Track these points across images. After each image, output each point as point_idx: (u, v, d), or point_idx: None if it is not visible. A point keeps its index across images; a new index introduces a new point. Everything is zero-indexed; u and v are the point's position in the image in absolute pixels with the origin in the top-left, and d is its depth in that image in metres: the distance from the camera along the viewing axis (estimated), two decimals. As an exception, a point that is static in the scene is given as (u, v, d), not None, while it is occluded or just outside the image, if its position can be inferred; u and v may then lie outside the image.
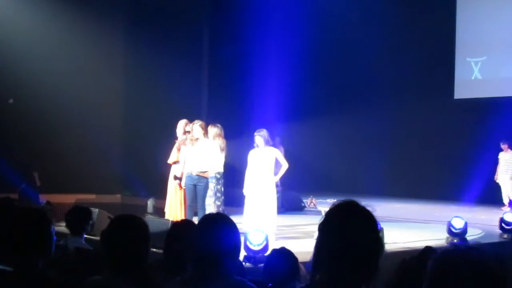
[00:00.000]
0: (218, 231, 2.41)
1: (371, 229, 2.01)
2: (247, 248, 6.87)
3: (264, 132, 8.82)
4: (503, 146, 13.25)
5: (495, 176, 13.22)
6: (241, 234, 7.79)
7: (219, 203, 9.45)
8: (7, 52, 13.36)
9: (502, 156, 13.28)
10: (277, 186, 9.53)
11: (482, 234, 9.58)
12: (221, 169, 9.48)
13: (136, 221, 2.82)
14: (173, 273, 2.67)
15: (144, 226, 2.80)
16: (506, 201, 13.22)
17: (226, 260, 2.38)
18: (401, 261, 2.99)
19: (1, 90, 13.49)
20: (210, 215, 2.66)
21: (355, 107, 16.16)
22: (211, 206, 9.20)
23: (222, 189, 9.52)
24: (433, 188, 12.13)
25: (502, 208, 12.77)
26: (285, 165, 8.96)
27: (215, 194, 9.35)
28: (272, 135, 15.78)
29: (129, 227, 2.76)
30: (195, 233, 2.46)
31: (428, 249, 3.20)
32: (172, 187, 9.26)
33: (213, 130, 9.29)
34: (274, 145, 8.23)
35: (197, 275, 2.37)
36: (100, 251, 2.83)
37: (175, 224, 3.48)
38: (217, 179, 9.38)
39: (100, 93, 14.26)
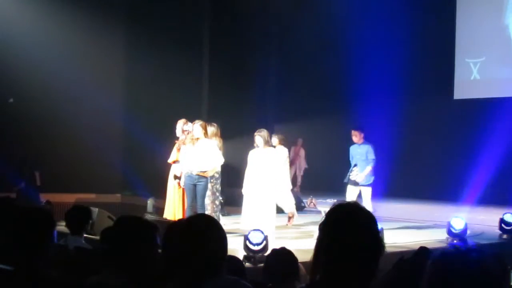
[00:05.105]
0: (204, 231, 2.39)
1: (371, 229, 2.01)
2: (247, 248, 6.87)
3: (264, 132, 8.81)
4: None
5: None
6: (240, 234, 7.77)
7: (218, 203, 9.45)
8: (7, 52, 13.35)
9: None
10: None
11: (482, 234, 9.58)
12: (220, 169, 9.49)
13: (142, 222, 2.77)
14: (171, 274, 2.66)
15: (149, 227, 2.74)
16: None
17: (216, 260, 2.37)
18: (399, 258, 2.99)
19: (1, 89, 13.48)
20: (194, 216, 2.64)
21: (355, 107, 16.14)
22: (209, 206, 9.19)
23: (219, 188, 9.53)
24: (433, 188, 12.09)
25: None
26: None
27: (214, 193, 9.35)
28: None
29: (134, 228, 2.70)
30: (184, 236, 2.42)
31: (423, 249, 3.20)
32: (171, 186, 9.27)
33: (210, 129, 9.27)
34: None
35: (190, 276, 2.36)
36: (100, 251, 2.81)
37: (172, 224, 3.44)
38: (216, 179, 9.38)
39: (100, 93, 14.24)
